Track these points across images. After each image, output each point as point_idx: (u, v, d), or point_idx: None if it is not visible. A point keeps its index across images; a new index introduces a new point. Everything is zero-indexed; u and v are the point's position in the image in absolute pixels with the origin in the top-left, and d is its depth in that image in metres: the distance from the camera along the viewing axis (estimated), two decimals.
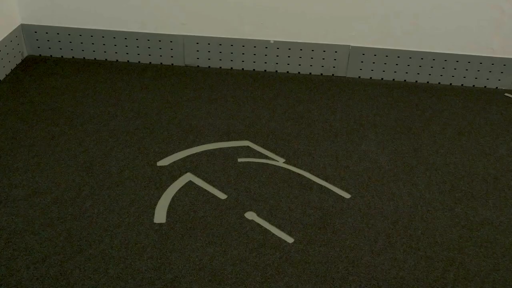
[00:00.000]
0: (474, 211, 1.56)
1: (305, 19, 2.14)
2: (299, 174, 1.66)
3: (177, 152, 1.74)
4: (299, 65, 2.25)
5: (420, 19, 2.11)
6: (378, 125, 1.94)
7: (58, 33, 2.23)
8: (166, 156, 1.72)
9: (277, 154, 1.75)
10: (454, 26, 2.11)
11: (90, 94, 2.03)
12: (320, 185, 1.62)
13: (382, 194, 1.60)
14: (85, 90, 2.06)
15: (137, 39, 2.22)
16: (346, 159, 1.75)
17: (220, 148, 1.77)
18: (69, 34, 2.23)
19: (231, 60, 2.26)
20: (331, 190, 1.60)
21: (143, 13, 2.17)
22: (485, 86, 2.24)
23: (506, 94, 2.20)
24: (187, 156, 1.72)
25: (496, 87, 2.24)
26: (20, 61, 2.25)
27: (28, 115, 1.89)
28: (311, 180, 1.64)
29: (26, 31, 2.24)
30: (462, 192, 1.63)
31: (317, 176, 1.66)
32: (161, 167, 1.66)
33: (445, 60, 2.19)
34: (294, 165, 1.70)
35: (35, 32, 2.24)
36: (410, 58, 2.19)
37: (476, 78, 2.22)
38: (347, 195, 1.58)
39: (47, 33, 2.24)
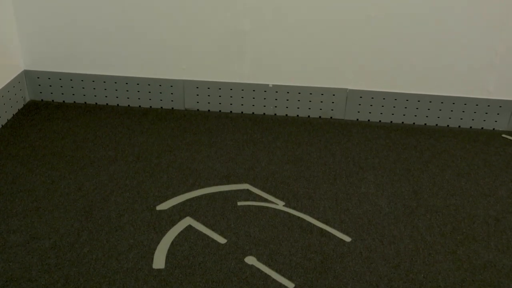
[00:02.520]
0: (476, 254, 1.54)
1: (303, 63, 2.18)
2: (299, 217, 1.66)
3: (176, 196, 1.74)
4: (298, 108, 2.27)
5: (416, 62, 2.15)
6: (377, 167, 1.94)
7: (60, 79, 2.27)
8: (166, 200, 1.71)
9: (277, 197, 1.75)
10: (449, 68, 2.15)
11: (90, 138, 2.05)
12: (321, 228, 1.61)
13: (383, 237, 1.59)
14: (86, 134, 2.08)
15: (138, 84, 2.26)
16: (346, 201, 1.74)
17: (220, 192, 1.76)
18: (71, 80, 2.27)
19: (231, 104, 2.28)
20: (332, 234, 1.59)
21: (144, 58, 2.21)
22: (482, 128, 2.26)
23: (504, 135, 2.22)
24: (187, 200, 1.71)
25: (493, 128, 2.26)
26: (22, 106, 2.28)
27: (28, 159, 1.90)
28: (311, 223, 1.63)
29: (28, 76, 2.28)
30: (464, 235, 1.62)
31: (317, 219, 1.65)
32: (160, 211, 1.66)
33: (442, 102, 2.22)
34: (294, 208, 1.70)
35: (38, 77, 2.28)
36: (407, 100, 2.22)
37: (473, 119, 2.24)
38: (347, 239, 1.57)
39: (49, 78, 2.27)
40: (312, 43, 2.14)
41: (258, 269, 1.44)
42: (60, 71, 2.26)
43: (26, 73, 2.27)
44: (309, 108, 2.27)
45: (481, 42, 2.09)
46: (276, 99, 2.26)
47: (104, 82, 2.27)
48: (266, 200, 1.73)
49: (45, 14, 2.14)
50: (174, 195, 1.74)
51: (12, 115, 2.19)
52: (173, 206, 1.68)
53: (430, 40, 2.10)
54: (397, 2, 2.03)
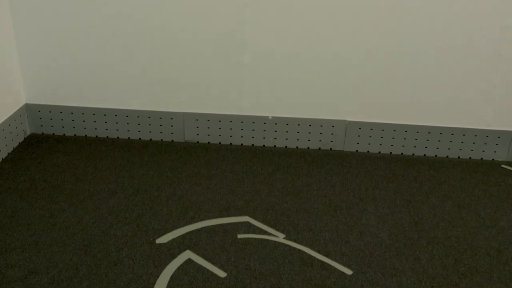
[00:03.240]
0: (479, 286, 1.52)
1: (302, 95, 2.20)
2: (299, 250, 1.64)
3: (176, 228, 1.73)
4: (297, 139, 2.28)
5: (414, 93, 2.17)
6: (378, 198, 1.94)
7: (61, 112, 2.29)
8: (166, 233, 1.70)
9: (277, 230, 1.74)
10: (447, 100, 2.17)
11: (90, 171, 2.05)
12: (321, 261, 1.60)
13: (385, 270, 1.57)
14: (86, 167, 2.08)
15: (138, 117, 2.28)
16: (347, 233, 1.73)
17: (220, 224, 1.76)
18: (71, 113, 2.29)
19: (230, 136, 2.30)
20: (333, 266, 1.57)
21: (144, 91, 2.23)
22: (481, 158, 2.27)
23: (503, 166, 2.22)
24: (187, 233, 1.70)
25: (493, 159, 2.27)
26: (23, 139, 2.29)
27: (27, 193, 1.90)
28: (312, 256, 1.62)
29: (30, 110, 2.30)
30: (466, 267, 1.60)
31: (318, 251, 1.64)
32: (160, 244, 1.65)
33: (440, 133, 2.23)
34: (295, 241, 1.69)
35: (39, 111, 2.30)
36: (406, 131, 2.23)
37: (472, 150, 2.25)
38: (349, 271, 1.56)
39: (50, 112, 2.29)
40: (311, 75, 2.16)
41: None
42: (61, 104, 2.28)
43: (28, 107, 2.29)
44: (309, 140, 2.28)
45: (477, 74, 2.12)
46: (275, 131, 2.27)
47: (105, 115, 2.28)
48: (266, 233, 1.72)
49: (47, 48, 2.17)
50: (173, 228, 1.73)
51: (12, 149, 2.20)
52: (173, 239, 1.67)
53: (428, 72, 2.12)
54: (395, 36, 2.06)
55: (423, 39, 2.06)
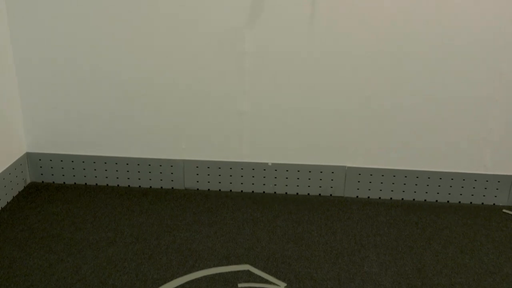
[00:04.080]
0: None
1: (301, 142, 2.22)
2: None
3: (176, 278, 1.70)
4: (297, 186, 2.28)
5: (412, 139, 2.19)
6: (379, 245, 1.92)
7: (61, 160, 2.30)
8: (165, 282, 1.68)
9: (278, 278, 1.71)
10: (446, 144, 2.19)
11: (89, 220, 2.04)
12: None
13: None
14: (85, 215, 2.07)
15: (138, 164, 2.28)
16: (349, 281, 1.70)
17: (220, 273, 1.73)
18: (72, 161, 2.30)
19: (230, 183, 2.30)
20: None
21: (144, 139, 2.25)
22: (482, 203, 2.26)
23: (504, 211, 2.21)
24: (186, 282, 1.68)
25: (494, 204, 2.26)
26: (23, 188, 2.29)
27: (26, 242, 1.88)
28: None
29: (30, 159, 2.31)
30: None
31: None
32: None
33: (440, 178, 2.23)
34: None
35: (39, 159, 2.31)
36: (405, 177, 2.24)
37: (472, 195, 2.25)
38: None
39: (51, 160, 2.30)
40: (310, 122, 2.19)
41: None
42: (62, 152, 2.29)
43: (28, 155, 2.30)
44: (309, 186, 2.28)
45: (474, 119, 2.14)
46: (275, 177, 2.28)
47: (105, 163, 2.29)
48: (267, 282, 1.70)
49: (48, 97, 2.21)
50: (173, 277, 1.70)
51: (12, 197, 2.19)
52: None
53: (426, 117, 2.15)
54: (393, 83, 2.10)
55: (420, 85, 2.10)
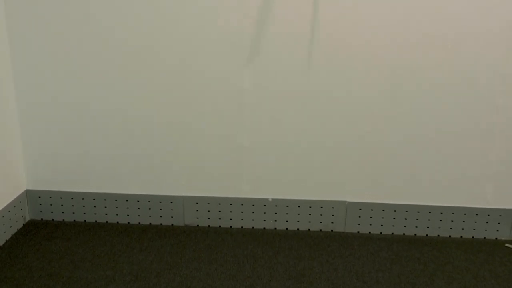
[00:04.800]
0: None
1: (301, 177, 2.22)
2: None
3: None
4: (298, 221, 2.27)
5: (412, 173, 2.19)
6: (381, 281, 1.89)
7: (61, 197, 2.29)
8: None
9: None
10: (446, 179, 2.19)
11: (88, 258, 2.02)
12: None
13: None
14: (84, 253, 2.05)
15: (138, 201, 2.28)
16: None
17: None
18: (72, 198, 2.29)
19: (230, 219, 2.28)
20: None
21: (144, 175, 2.25)
22: (484, 237, 2.24)
23: (507, 245, 2.19)
24: None
25: (496, 238, 2.24)
26: (22, 225, 2.28)
27: (24, 281, 1.85)
28: None
29: (30, 196, 2.30)
30: None
31: None
32: None
33: (441, 213, 2.22)
34: None
35: (39, 197, 2.30)
36: (406, 211, 2.23)
37: (474, 229, 2.23)
38: None
39: (50, 197, 2.30)
40: (310, 157, 2.19)
41: None
42: (62, 190, 2.29)
43: (28, 193, 2.30)
44: (309, 222, 2.27)
45: (474, 153, 2.15)
46: (276, 213, 2.27)
47: (105, 200, 2.29)
48: None
49: (49, 135, 2.22)
50: None
51: (10, 235, 2.18)
52: None
53: (426, 152, 2.16)
54: (393, 119, 2.12)
55: (419, 120, 2.12)
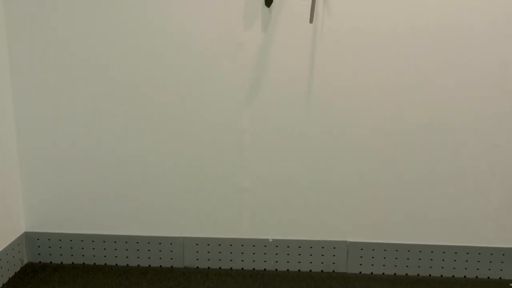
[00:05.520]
0: None
1: (302, 217, 2.21)
2: None
3: None
4: (299, 262, 2.24)
5: (413, 212, 2.18)
6: None
7: (60, 239, 2.27)
8: None
9: None
10: (447, 218, 2.17)
11: None
12: None
13: None
14: None
15: (137, 243, 2.26)
16: None
17: None
18: (70, 240, 2.27)
19: (231, 260, 2.26)
20: None
21: (144, 217, 2.24)
22: (488, 277, 2.21)
23: (511, 285, 2.16)
24: None
25: (500, 277, 2.21)
26: (19, 268, 2.24)
27: None
28: None
29: (28, 238, 2.28)
30: None
31: None
32: None
33: (444, 252, 2.20)
34: None
35: (38, 239, 2.28)
36: (408, 251, 2.21)
37: (477, 269, 2.20)
38: None
39: (49, 239, 2.28)
40: (310, 197, 2.19)
41: None
42: (60, 232, 2.27)
43: (27, 235, 2.28)
44: (310, 262, 2.24)
45: (474, 192, 2.15)
46: (276, 254, 2.24)
47: (104, 241, 2.26)
48: None
49: (48, 178, 2.22)
50: None
51: (8, 279, 2.15)
52: None
53: (426, 191, 2.15)
54: (392, 158, 2.12)
55: (419, 159, 2.12)
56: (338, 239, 2.22)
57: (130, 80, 2.11)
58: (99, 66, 2.10)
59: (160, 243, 2.26)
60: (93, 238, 2.26)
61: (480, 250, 2.19)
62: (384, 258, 2.22)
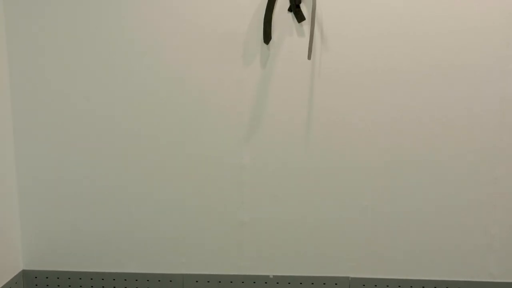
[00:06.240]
0: None
1: (303, 253, 2.19)
2: None
3: None
4: None
5: (415, 247, 2.16)
6: None
7: (58, 277, 2.24)
8: None
9: None
10: (450, 252, 2.16)
11: None
12: None
13: None
14: None
15: (136, 280, 2.23)
16: None
17: None
18: (69, 278, 2.24)
19: None
20: None
21: (143, 253, 2.22)
22: None
23: None
24: None
25: None
26: None
27: None
28: None
29: (26, 276, 2.25)
30: None
31: None
32: None
33: (447, 287, 2.17)
34: None
35: (36, 277, 2.25)
36: (411, 287, 2.18)
37: None
38: None
39: (47, 277, 2.25)
40: (311, 232, 2.17)
41: None
42: (59, 269, 2.25)
43: (25, 273, 2.25)
44: None
45: (475, 224, 2.14)
46: None
47: (102, 279, 2.24)
48: None
49: (47, 216, 2.21)
50: None
51: None
52: None
53: (428, 225, 2.14)
54: (392, 192, 2.12)
55: (419, 193, 2.12)
56: (340, 275, 2.20)
57: (130, 119, 2.12)
58: (100, 104, 2.12)
59: (159, 281, 2.23)
60: (91, 276, 2.24)
61: (483, 285, 2.16)
62: None
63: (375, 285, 2.19)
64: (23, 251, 2.25)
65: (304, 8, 2.02)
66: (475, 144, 2.08)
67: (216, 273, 2.22)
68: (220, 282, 2.22)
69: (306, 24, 2.03)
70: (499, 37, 2.01)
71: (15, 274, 2.20)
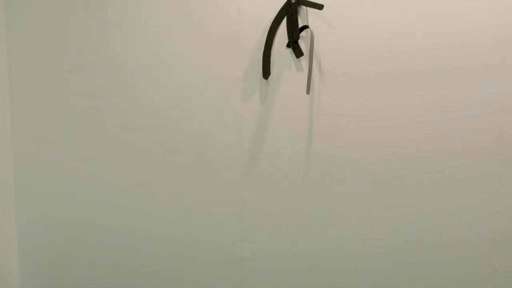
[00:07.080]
0: None
1: (304, 287, 2.18)
2: None
3: None
4: None
5: (415, 280, 2.14)
6: None
7: None
8: None
9: None
10: (450, 286, 2.13)
11: None
12: None
13: None
14: None
15: None
16: None
17: None
18: None
19: None
20: None
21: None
22: None
23: None
24: None
25: None
26: None
27: None
28: None
29: None
30: None
31: None
32: None
33: None
34: None
35: None
36: None
37: None
38: None
39: None
40: (312, 266, 2.15)
41: None
42: None
43: None
44: None
45: (478, 258, 2.11)
46: None
47: None
48: None
49: (46, 252, 2.20)
50: None
51: None
52: None
53: (430, 260, 2.12)
54: (389, 226, 2.11)
55: (422, 229, 2.10)
56: None
57: (130, 155, 2.13)
58: (99, 142, 2.13)
59: None
60: None
61: None
62: None
63: None
64: (21, 277, 2.23)
65: (302, 44, 2.05)
66: (476, 175, 2.07)
67: None
68: None
69: (304, 60, 2.06)
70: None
71: None
